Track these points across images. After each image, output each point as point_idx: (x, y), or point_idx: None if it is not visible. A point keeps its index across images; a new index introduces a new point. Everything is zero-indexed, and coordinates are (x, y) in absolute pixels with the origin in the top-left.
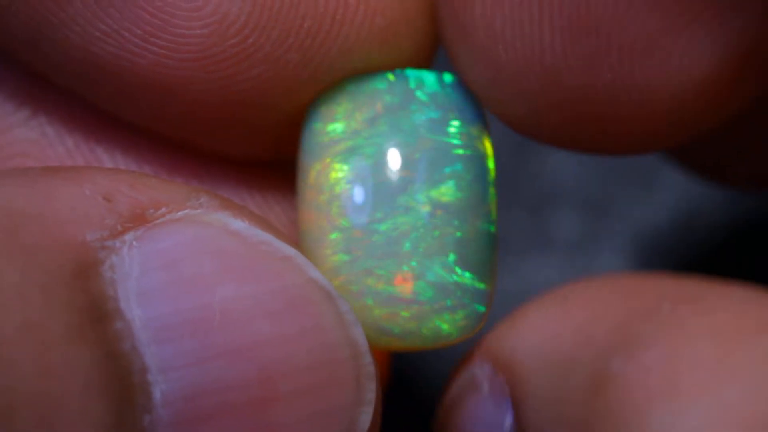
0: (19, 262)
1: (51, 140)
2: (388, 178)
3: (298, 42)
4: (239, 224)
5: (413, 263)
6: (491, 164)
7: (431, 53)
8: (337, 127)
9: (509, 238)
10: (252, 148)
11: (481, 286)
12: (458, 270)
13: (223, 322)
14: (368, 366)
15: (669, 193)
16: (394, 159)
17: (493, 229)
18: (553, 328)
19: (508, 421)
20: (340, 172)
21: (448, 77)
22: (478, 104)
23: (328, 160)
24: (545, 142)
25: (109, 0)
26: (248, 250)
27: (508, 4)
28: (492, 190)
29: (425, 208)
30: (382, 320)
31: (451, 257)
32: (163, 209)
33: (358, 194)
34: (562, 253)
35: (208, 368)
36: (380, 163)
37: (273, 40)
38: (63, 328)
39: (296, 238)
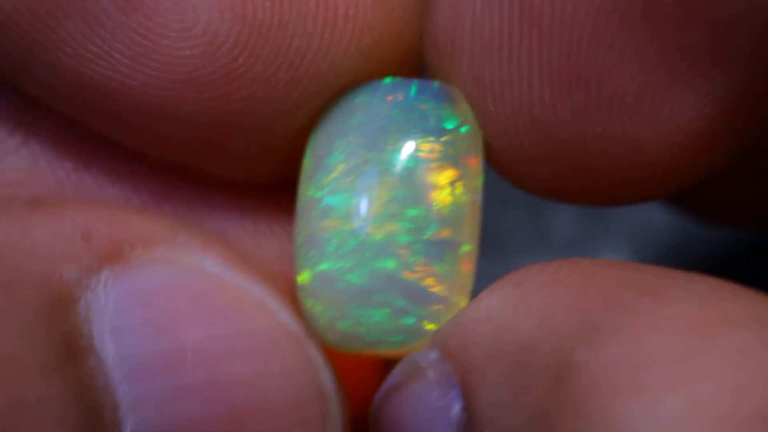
0: None
1: (42, 169)
2: (341, 184)
3: (287, 62)
4: (214, 266)
5: (354, 267)
6: (463, 171)
7: (418, 66)
8: (317, 134)
9: (508, 237)
10: (245, 170)
11: (437, 292)
12: (403, 276)
13: (194, 363)
14: (334, 409)
15: None
16: (351, 167)
17: (451, 237)
18: (509, 315)
19: (455, 410)
20: (308, 180)
21: (432, 86)
22: (461, 116)
23: (305, 161)
24: (535, 192)
25: (99, 21)
26: (221, 293)
27: (497, 57)
28: (458, 200)
29: (373, 213)
30: (334, 321)
31: (394, 263)
32: (140, 248)
33: (317, 202)
34: (561, 252)
35: (178, 407)
36: (338, 169)
37: (262, 60)
38: (36, 363)
39: (284, 268)
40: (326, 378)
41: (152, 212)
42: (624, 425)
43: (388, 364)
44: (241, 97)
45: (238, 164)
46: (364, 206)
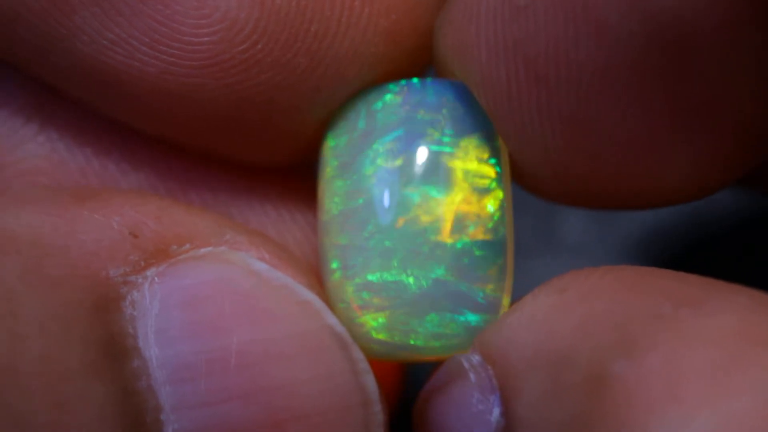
0: (41, 294)
1: (62, 156)
2: (377, 192)
3: (306, 46)
4: (261, 265)
5: (401, 274)
6: (496, 169)
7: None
8: (338, 142)
9: (518, 240)
10: (265, 154)
11: (486, 293)
12: (450, 280)
13: (238, 365)
14: (378, 414)
15: None
16: (385, 174)
17: (493, 237)
18: (551, 322)
19: (495, 414)
20: (336, 189)
21: (446, 84)
22: (482, 114)
23: (327, 170)
24: (547, 199)
25: (117, 8)
26: (267, 293)
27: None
28: (495, 200)
29: (414, 219)
30: (373, 332)
31: (441, 269)
32: (187, 245)
33: (353, 211)
34: (571, 254)
35: (221, 410)
36: (371, 177)
37: (281, 45)
38: (80, 363)
39: (306, 257)
40: (370, 382)
41: (199, 207)
42: None
43: (409, 372)
44: (260, 83)
45: (258, 150)
46: (404, 213)
